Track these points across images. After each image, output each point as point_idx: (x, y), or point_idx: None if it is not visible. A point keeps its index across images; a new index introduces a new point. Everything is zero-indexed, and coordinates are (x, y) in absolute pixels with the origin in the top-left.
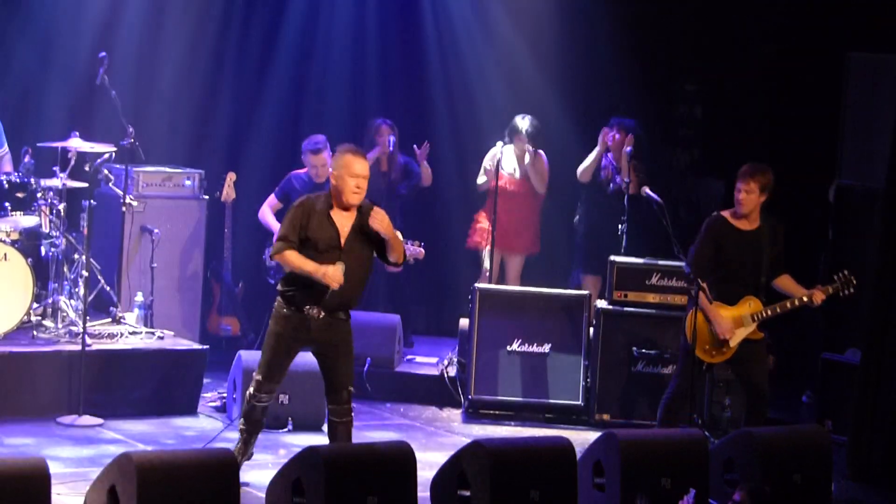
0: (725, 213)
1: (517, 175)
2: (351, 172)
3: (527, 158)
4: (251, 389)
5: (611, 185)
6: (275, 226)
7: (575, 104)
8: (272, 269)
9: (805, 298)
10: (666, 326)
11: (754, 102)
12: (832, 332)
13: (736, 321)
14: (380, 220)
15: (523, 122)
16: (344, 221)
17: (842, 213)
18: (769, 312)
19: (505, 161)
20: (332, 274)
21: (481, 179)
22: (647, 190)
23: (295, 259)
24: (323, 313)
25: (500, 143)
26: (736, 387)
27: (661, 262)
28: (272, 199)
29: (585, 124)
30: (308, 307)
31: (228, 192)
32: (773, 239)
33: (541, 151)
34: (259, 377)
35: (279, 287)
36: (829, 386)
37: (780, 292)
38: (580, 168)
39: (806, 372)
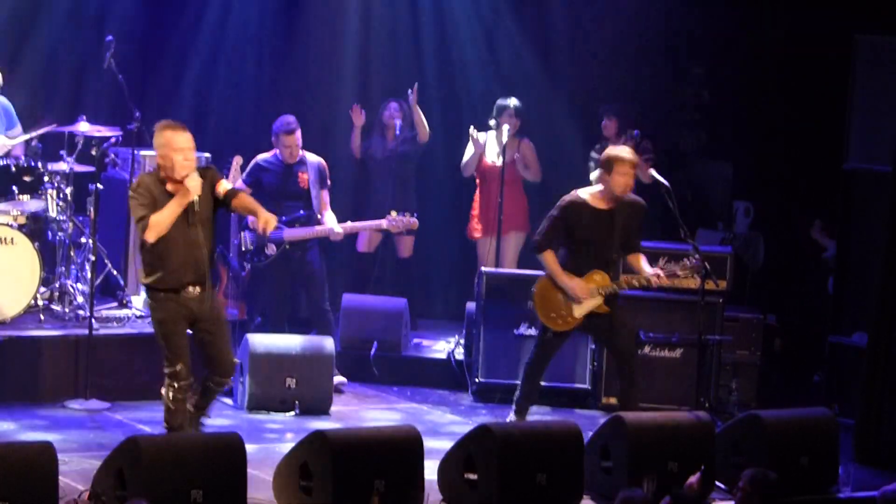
0: (584, 195)
1: (499, 161)
2: (174, 148)
3: (507, 142)
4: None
5: None
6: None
7: (579, 88)
8: (250, 253)
9: (644, 281)
10: (673, 310)
11: (761, 85)
12: (840, 315)
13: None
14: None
15: (511, 100)
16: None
17: (850, 195)
18: (614, 288)
19: (488, 149)
20: (193, 185)
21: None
22: (654, 173)
23: (160, 217)
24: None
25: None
26: (743, 370)
27: (667, 246)
28: (241, 185)
29: (589, 109)
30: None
31: (234, 176)
32: (629, 218)
33: (526, 139)
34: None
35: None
36: (837, 369)
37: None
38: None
39: (813, 355)
